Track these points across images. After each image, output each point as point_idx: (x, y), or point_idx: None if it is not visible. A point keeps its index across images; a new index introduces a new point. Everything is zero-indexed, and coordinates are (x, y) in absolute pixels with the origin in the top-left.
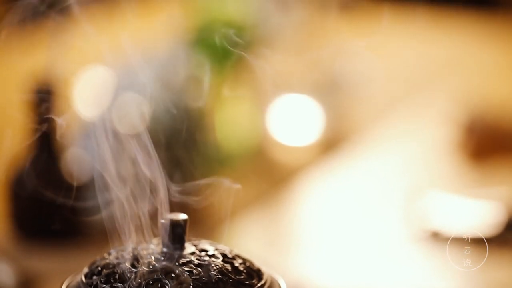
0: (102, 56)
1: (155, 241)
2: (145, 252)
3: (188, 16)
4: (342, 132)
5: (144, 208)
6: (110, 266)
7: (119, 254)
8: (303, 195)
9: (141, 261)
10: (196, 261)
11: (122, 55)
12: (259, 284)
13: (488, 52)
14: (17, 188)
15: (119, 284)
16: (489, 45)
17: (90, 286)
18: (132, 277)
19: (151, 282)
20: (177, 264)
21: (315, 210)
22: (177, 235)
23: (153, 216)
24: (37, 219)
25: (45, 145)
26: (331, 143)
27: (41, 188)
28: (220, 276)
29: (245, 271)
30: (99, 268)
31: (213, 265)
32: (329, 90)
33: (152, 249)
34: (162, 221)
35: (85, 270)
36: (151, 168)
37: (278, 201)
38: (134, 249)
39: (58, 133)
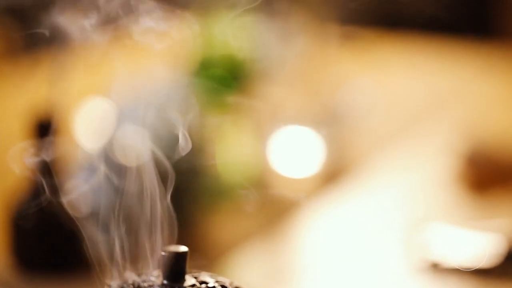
0: (103, 88)
1: (155, 273)
2: (145, 284)
3: (189, 48)
4: (343, 163)
5: (145, 239)
6: None
7: (119, 286)
8: (303, 226)
9: None
10: None
11: (123, 87)
12: None
13: (489, 83)
14: (19, 220)
15: None
16: (490, 76)
17: None
18: None
19: None
20: None
21: (316, 242)
22: (177, 267)
23: (154, 248)
24: (39, 251)
25: (46, 177)
26: (332, 175)
27: (42, 220)
28: None
29: None
30: None
31: None
32: (330, 122)
33: (153, 281)
34: (163, 253)
35: None
36: (153, 200)
37: (279, 233)
38: (135, 281)
39: (60, 165)
